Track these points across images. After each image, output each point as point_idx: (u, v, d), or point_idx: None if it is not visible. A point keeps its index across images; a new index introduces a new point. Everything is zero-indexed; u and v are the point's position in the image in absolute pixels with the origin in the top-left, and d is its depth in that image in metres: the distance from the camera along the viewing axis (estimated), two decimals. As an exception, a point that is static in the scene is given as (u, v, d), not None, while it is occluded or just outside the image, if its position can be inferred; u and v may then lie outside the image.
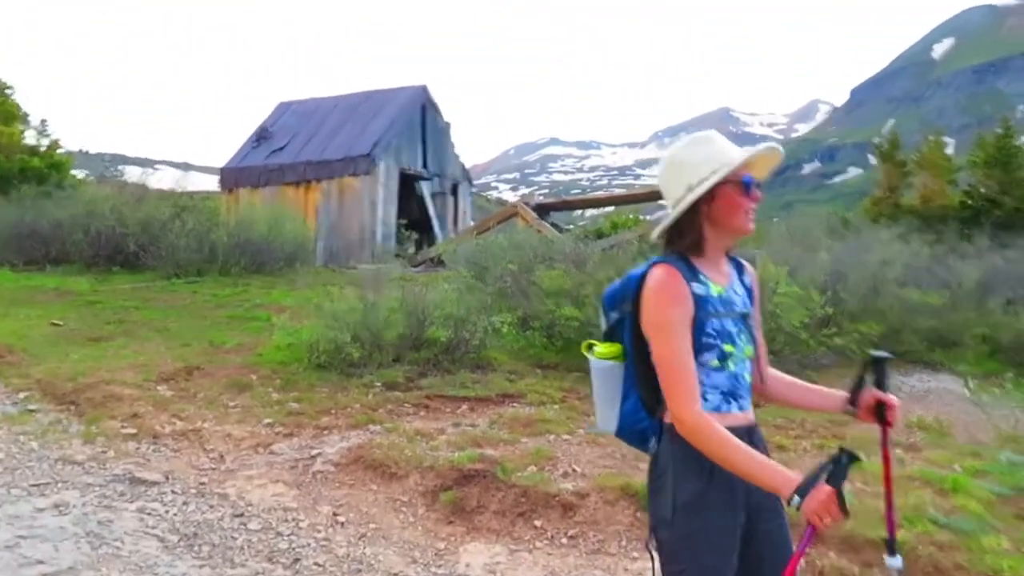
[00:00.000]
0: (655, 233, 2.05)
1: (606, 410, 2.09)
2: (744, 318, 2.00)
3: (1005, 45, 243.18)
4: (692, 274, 1.93)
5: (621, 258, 9.26)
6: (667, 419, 1.93)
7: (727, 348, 1.93)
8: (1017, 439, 6.31)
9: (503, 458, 5.05)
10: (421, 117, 22.18)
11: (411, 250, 18.87)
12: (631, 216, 20.29)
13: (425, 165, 22.17)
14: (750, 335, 2.01)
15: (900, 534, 3.96)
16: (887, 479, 2.05)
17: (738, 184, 1.91)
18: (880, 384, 2.00)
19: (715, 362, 1.92)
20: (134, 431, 5.58)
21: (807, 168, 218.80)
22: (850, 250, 11.06)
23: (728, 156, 1.93)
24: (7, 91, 19.63)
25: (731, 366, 1.95)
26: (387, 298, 8.31)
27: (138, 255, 14.75)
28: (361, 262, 18.58)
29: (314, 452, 5.26)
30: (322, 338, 7.56)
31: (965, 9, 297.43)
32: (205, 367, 7.47)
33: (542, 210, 17.62)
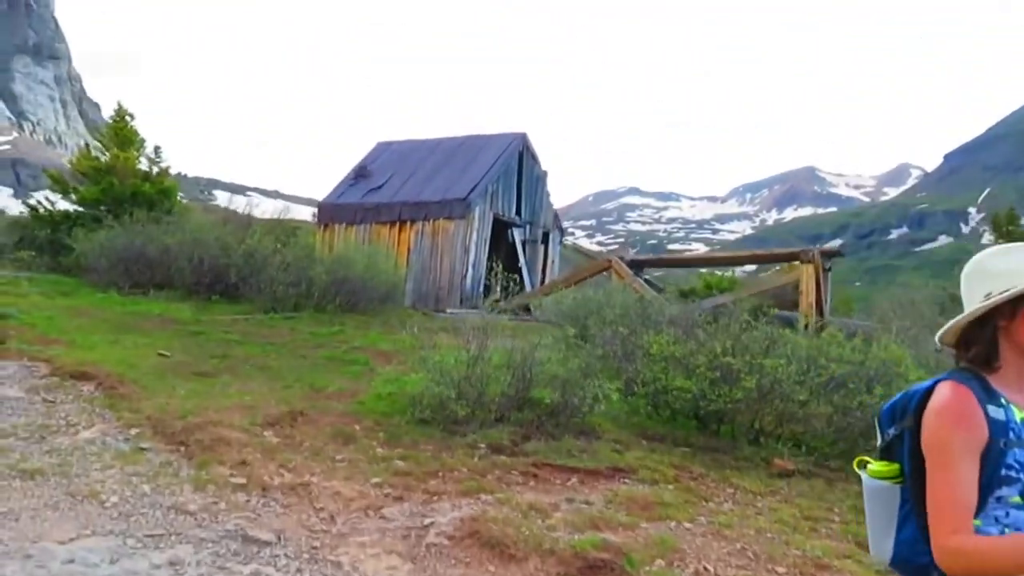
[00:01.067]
0: (938, 335, 1.84)
1: (879, 535, 1.89)
2: None
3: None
4: (988, 395, 1.70)
5: (733, 326, 8.84)
6: None
7: None
8: None
9: (626, 546, 4.71)
10: (518, 164, 22.28)
11: (498, 298, 18.78)
12: (725, 276, 19.73)
13: (519, 212, 22.20)
14: None
15: None
16: None
17: None
18: None
19: (1017, 499, 1.67)
20: (243, 481, 5.46)
21: (894, 234, 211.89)
22: None
23: None
24: (128, 117, 20.55)
25: None
26: (491, 350, 8.11)
27: (238, 286, 15.05)
28: (450, 306, 18.57)
29: (426, 521, 5.02)
30: (426, 392, 7.39)
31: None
32: (308, 412, 7.37)
33: (636, 266, 17.29)
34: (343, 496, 5.36)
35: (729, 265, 20.80)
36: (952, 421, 1.68)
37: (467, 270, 19.67)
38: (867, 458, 1.96)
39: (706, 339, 8.53)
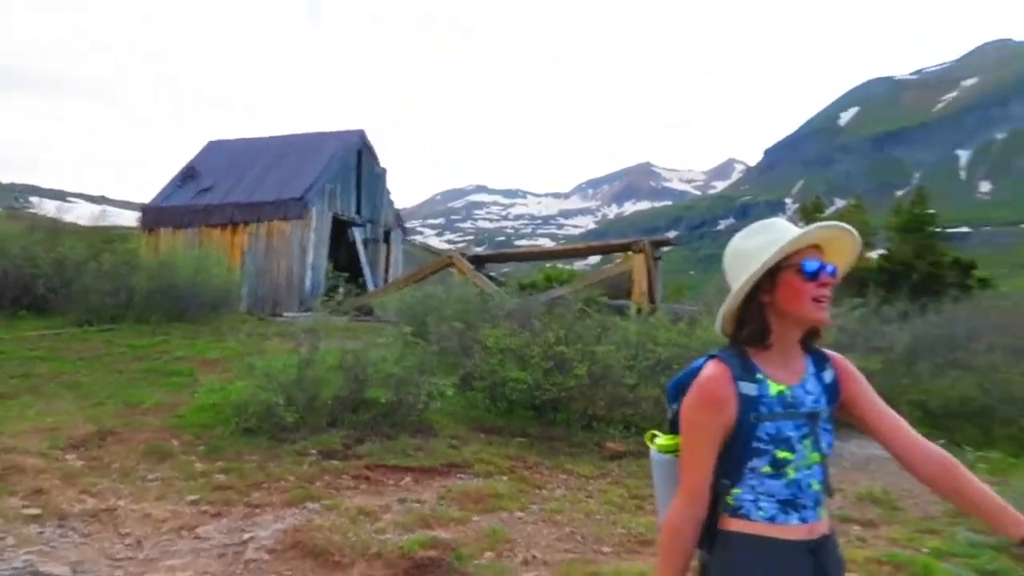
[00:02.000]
0: (718, 326, 1.89)
1: (665, 504, 1.94)
2: (813, 419, 1.79)
3: (903, 116, 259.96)
4: (744, 372, 1.77)
5: (567, 317, 9.05)
6: (720, 525, 1.81)
7: (781, 455, 1.75)
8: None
9: (456, 541, 4.67)
10: (357, 162, 21.73)
11: (339, 298, 18.27)
12: (565, 268, 20.26)
13: (359, 211, 21.68)
14: (818, 438, 1.80)
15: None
16: None
17: (797, 269, 1.75)
18: None
19: (767, 468, 1.75)
20: (38, 511, 4.94)
21: (722, 224, 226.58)
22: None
23: (783, 241, 1.76)
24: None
25: (790, 473, 1.76)
26: (324, 353, 7.84)
27: (47, 298, 13.76)
28: (288, 310, 17.87)
29: (246, 536, 4.75)
30: (252, 400, 7.02)
31: (868, 80, 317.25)
32: (120, 431, 6.82)
33: (478, 261, 17.37)
34: (153, 518, 4.97)
35: (566, 258, 21.38)
36: (699, 403, 1.77)
37: (306, 272, 19.00)
38: (657, 432, 2.01)
39: (541, 330, 8.67)
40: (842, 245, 1.84)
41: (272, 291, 18.83)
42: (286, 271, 18.94)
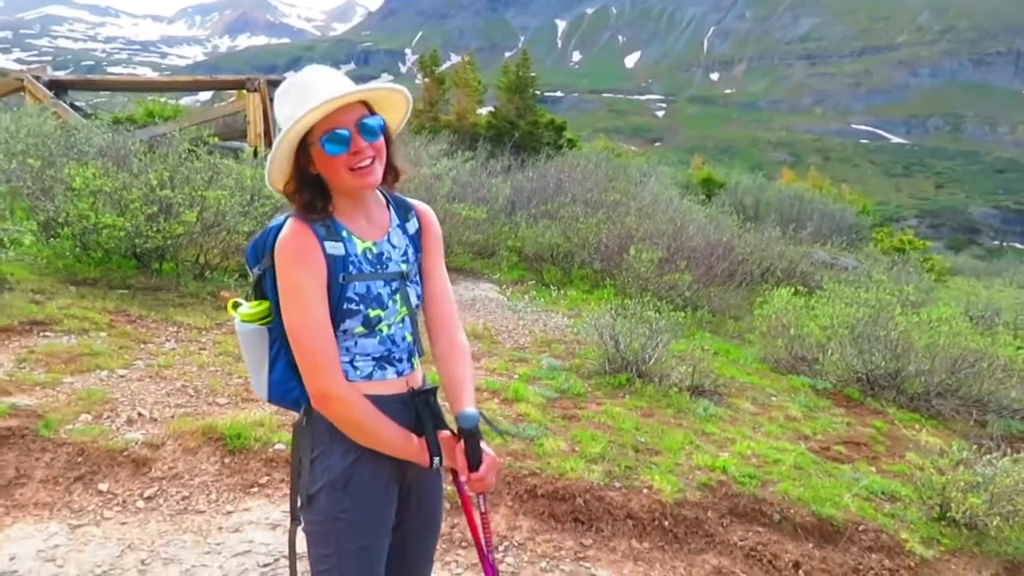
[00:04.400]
0: (266, 179, 1.71)
1: (256, 374, 1.83)
2: (402, 276, 1.79)
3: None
4: (328, 230, 1.68)
5: (172, 157, 8.15)
6: None
7: (373, 313, 1.72)
8: (549, 343, 7.32)
9: (44, 408, 4.12)
10: None
11: None
12: (170, 104, 18.15)
13: None
14: (407, 293, 1.80)
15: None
16: (472, 526, 1.92)
17: (320, 143, 1.64)
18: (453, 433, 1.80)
19: (360, 328, 1.72)
20: None
21: (344, 68, 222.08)
22: (404, 162, 11.49)
23: (299, 114, 1.60)
24: None
25: (384, 330, 1.75)
26: None
27: None
28: None
29: None
30: None
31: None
32: None
33: (59, 87, 14.61)
34: None
35: (171, 91, 19.12)
36: (293, 260, 1.63)
37: None
38: (240, 299, 1.84)
39: (141, 171, 7.72)
40: (392, 100, 1.75)
41: None
42: None
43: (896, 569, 3.86)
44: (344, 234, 1.71)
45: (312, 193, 1.69)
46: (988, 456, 4.61)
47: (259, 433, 4.11)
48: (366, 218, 1.76)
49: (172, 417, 4.27)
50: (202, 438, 4.03)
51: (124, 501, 3.55)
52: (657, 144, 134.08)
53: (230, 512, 3.56)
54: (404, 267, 1.80)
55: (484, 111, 24.79)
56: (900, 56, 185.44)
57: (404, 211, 1.87)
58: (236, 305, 1.82)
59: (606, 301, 8.39)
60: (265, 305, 1.75)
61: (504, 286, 10.14)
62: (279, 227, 1.69)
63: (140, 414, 4.27)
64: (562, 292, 10.01)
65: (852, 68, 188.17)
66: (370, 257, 1.73)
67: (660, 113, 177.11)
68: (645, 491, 4.11)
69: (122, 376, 4.87)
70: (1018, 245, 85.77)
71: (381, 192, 1.83)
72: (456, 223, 10.51)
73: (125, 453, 3.82)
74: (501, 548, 3.64)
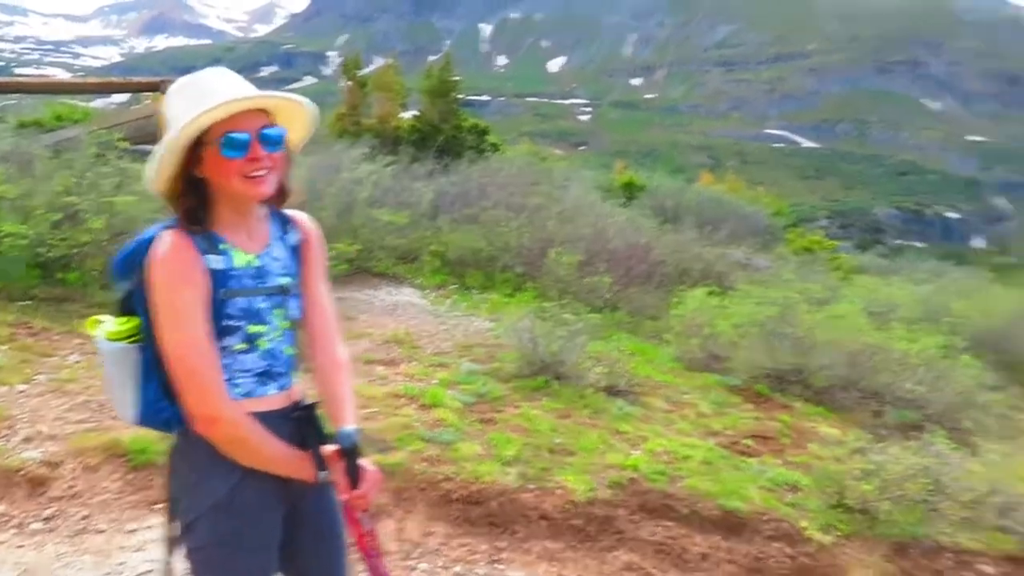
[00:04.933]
0: (146, 182, 1.66)
1: (123, 396, 1.73)
2: (282, 290, 1.75)
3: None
4: (209, 243, 1.63)
5: (79, 162, 7.87)
6: None
7: (253, 329, 1.69)
8: (470, 347, 7.36)
9: (-67, 427, 3.94)
10: None
11: None
12: (80, 106, 17.44)
13: None
14: (288, 307, 1.77)
15: (395, 456, 4.28)
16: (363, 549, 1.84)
17: (218, 147, 1.59)
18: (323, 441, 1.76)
19: (240, 345, 1.67)
20: None
21: (265, 71, 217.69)
22: (323, 167, 11.37)
23: (193, 114, 1.56)
24: None
25: (263, 344, 1.71)
26: None
27: None
28: None
29: None
30: None
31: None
32: None
33: (-45, 88, 13.89)
34: None
35: (82, 93, 18.36)
36: (173, 277, 1.57)
37: None
38: (101, 317, 1.76)
39: (46, 176, 7.43)
40: (296, 114, 1.72)
41: None
42: None
43: (795, 556, 4.05)
44: (225, 247, 1.67)
45: (194, 200, 1.64)
46: (881, 445, 4.88)
47: (165, 447, 4.00)
48: (247, 231, 1.72)
49: (73, 433, 4.14)
50: (104, 454, 3.92)
51: (20, 523, 3.43)
52: (582, 148, 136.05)
53: (133, 531, 3.48)
54: (285, 281, 1.77)
55: (408, 115, 24.66)
56: (811, 64, 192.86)
57: (284, 223, 1.84)
58: (98, 322, 1.74)
59: (527, 304, 8.48)
60: (135, 323, 1.68)
61: (427, 291, 10.14)
62: (150, 239, 1.63)
63: (39, 431, 4.12)
64: (484, 296, 10.07)
65: (766, 75, 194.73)
66: (251, 271, 1.70)
67: (584, 117, 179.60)
68: (559, 491, 4.20)
69: (22, 392, 4.69)
70: (918, 244, 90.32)
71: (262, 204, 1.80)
72: (377, 228, 10.45)
73: (21, 473, 3.69)
74: (415, 555, 3.66)
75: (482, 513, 3.98)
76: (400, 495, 4.04)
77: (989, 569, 4.33)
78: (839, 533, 4.29)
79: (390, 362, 6.49)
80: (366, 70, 25.87)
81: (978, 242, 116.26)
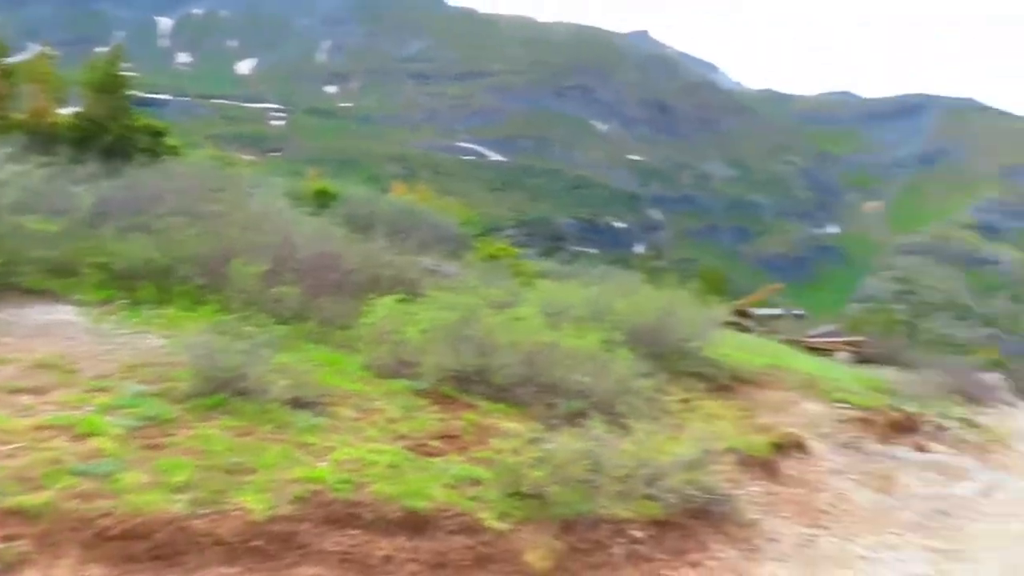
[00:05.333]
0: None
1: None
2: None
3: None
4: None
5: None
6: None
7: None
8: (137, 367, 6.69)
9: None
10: None
11: None
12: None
13: None
14: None
15: (40, 496, 3.76)
16: None
17: None
18: None
19: None
20: None
21: None
22: None
23: None
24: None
25: None
26: None
27: None
28: None
29: None
30: None
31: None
32: None
33: None
34: None
35: None
36: None
37: None
38: None
39: None
40: None
41: None
42: None
43: (474, 546, 4.26)
44: None
45: None
46: (552, 434, 5.33)
47: None
48: None
49: None
50: None
51: None
52: (276, 154, 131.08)
53: None
54: None
55: (68, 111, 21.89)
56: (496, 83, 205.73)
57: None
58: None
59: (208, 318, 7.94)
60: None
61: (89, 308, 9.03)
62: None
63: None
64: (159, 311, 9.23)
65: (456, 91, 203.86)
66: None
67: (278, 123, 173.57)
68: (236, 513, 3.97)
69: None
70: (592, 250, 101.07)
71: None
72: (24, 237, 9.10)
73: None
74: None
75: (146, 548, 3.63)
76: (45, 539, 3.55)
77: (639, 533, 4.93)
78: (514, 519, 4.60)
79: (38, 390, 5.69)
80: (15, 58, 22.44)
81: (639, 248, 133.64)
